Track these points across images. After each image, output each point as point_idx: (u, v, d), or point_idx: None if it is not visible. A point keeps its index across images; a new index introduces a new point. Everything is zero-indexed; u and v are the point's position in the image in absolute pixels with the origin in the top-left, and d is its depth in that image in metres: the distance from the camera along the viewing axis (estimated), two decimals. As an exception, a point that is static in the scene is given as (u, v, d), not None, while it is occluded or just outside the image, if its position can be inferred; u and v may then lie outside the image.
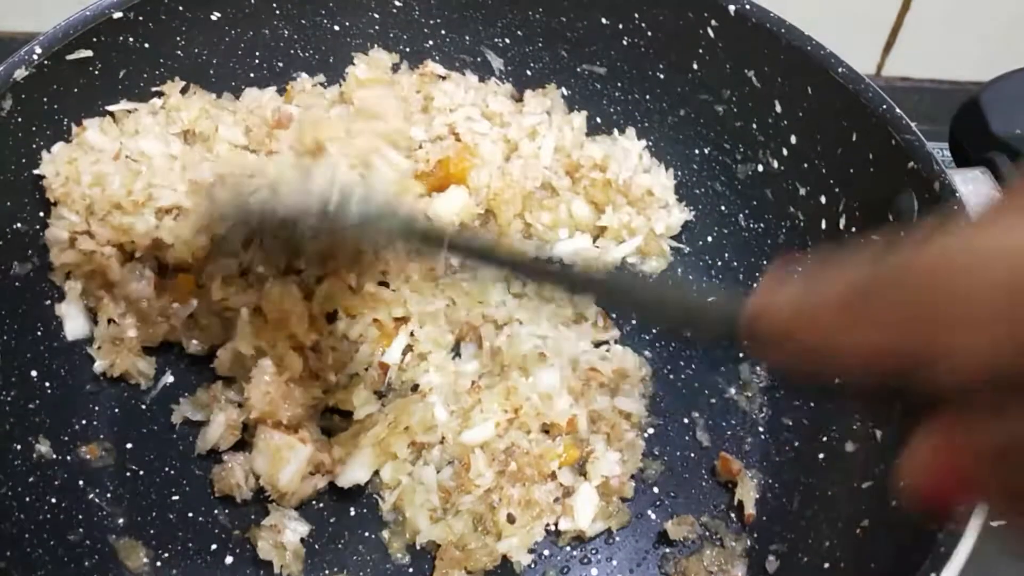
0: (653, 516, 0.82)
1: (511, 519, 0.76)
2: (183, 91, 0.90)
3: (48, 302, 0.84)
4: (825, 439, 0.81)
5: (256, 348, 0.81)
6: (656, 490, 0.83)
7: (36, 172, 0.82)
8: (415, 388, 0.85)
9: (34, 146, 0.81)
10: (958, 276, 0.31)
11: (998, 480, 0.32)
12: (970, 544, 0.58)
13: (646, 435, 0.86)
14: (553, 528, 0.80)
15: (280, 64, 0.96)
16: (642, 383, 0.88)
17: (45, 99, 0.81)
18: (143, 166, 0.84)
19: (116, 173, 0.82)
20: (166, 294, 0.84)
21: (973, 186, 0.77)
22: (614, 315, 0.92)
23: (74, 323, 0.85)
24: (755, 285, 0.92)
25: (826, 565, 0.72)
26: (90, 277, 0.84)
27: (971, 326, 0.30)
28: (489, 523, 0.78)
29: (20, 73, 0.77)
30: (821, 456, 0.81)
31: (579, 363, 0.86)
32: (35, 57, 0.78)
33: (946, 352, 0.31)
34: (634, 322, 0.92)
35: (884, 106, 0.78)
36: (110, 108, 0.86)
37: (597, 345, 0.90)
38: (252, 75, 0.95)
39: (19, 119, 0.79)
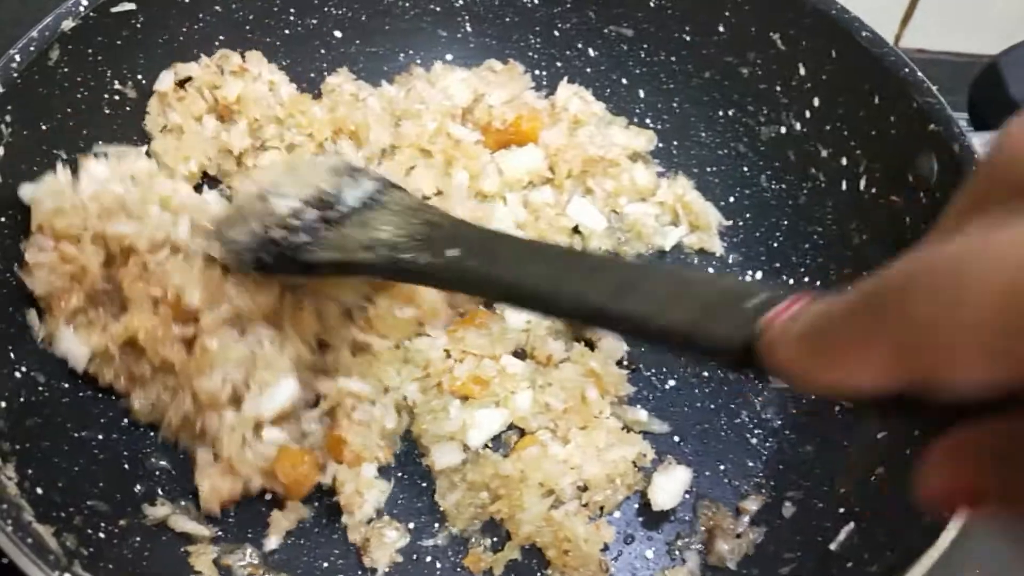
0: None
1: None
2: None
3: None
4: (841, 392, 0.84)
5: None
6: (676, 439, 0.87)
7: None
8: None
9: (79, 96, 0.84)
10: (949, 287, 0.28)
11: (1000, 483, 0.32)
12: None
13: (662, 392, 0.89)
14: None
15: (314, 22, 0.98)
16: None
17: (90, 51, 0.83)
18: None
19: None
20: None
21: (991, 149, 0.79)
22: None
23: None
24: (774, 245, 0.95)
25: (841, 510, 0.76)
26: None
27: (965, 344, 0.28)
28: None
29: (67, 24, 0.79)
30: (837, 408, 0.84)
31: None
32: (81, 8, 0.80)
33: (947, 372, 0.29)
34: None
35: (906, 70, 0.80)
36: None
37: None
38: (287, 32, 0.97)
39: (65, 69, 0.81)
